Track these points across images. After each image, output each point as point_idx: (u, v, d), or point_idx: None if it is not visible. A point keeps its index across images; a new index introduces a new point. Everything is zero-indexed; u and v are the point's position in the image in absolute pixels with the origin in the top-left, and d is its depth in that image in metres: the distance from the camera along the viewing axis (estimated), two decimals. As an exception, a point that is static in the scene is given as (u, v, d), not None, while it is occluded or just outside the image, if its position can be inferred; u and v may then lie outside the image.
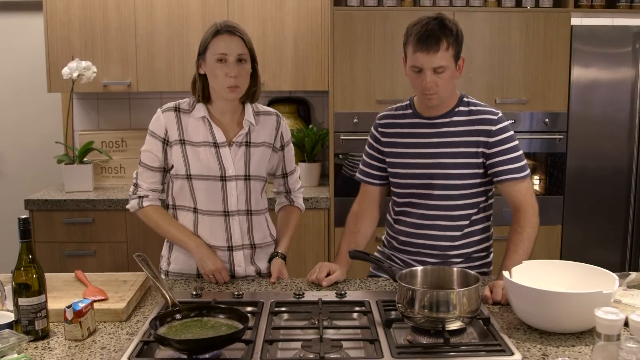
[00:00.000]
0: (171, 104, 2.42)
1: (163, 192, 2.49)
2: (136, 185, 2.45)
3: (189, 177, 2.38)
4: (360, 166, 2.58)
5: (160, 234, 2.47)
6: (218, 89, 2.32)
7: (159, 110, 2.42)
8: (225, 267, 2.40)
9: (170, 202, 2.48)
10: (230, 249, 2.43)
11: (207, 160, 2.37)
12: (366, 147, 2.56)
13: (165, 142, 2.39)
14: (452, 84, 2.31)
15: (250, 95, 2.43)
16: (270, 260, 2.51)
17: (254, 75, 2.40)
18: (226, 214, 2.41)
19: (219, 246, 2.42)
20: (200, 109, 2.39)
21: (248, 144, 2.42)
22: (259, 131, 2.45)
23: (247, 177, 2.42)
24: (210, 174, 2.37)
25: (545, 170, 3.94)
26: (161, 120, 2.39)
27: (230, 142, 2.40)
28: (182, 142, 2.38)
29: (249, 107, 2.44)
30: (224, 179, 2.38)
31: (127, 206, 2.48)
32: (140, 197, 2.43)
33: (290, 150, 2.58)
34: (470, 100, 2.40)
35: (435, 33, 2.19)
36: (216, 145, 2.38)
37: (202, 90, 2.38)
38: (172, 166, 2.40)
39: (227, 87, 2.29)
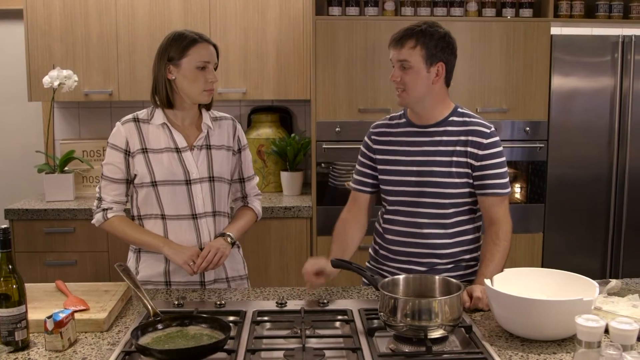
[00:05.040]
0: (129, 116, 2.48)
1: (127, 203, 2.52)
2: (100, 199, 2.48)
3: (154, 184, 2.41)
4: (354, 175, 2.60)
5: (127, 241, 2.50)
6: (194, 93, 2.39)
7: (118, 123, 2.47)
8: (198, 251, 2.40)
9: (136, 213, 2.50)
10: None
11: (171, 165, 2.41)
12: (359, 156, 2.59)
13: (127, 153, 2.43)
14: (423, 87, 2.34)
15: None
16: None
17: None
18: (194, 216, 2.44)
19: None
20: (159, 117, 2.45)
21: (209, 147, 2.48)
22: (218, 135, 2.52)
23: (212, 179, 2.47)
24: (174, 178, 2.41)
25: (526, 179, 3.97)
26: (122, 132, 2.44)
27: (191, 146, 2.46)
28: (144, 150, 2.42)
29: (205, 113, 2.52)
30: (188, 182, 2.43)
31: (93, 221, 2.51)
32: (104, 209, 2.46)
33: (248, 155, 2.64)
34: (465, 111, 2.44)
35: (406, 32, 2.35)
36: (178, 150, 2.43)
37: (166, 96, 2.42)
38: (135, 176, 2.43)
39: (205, 90, 2.39)
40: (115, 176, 2.44)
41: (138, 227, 2.47)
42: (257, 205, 2.67)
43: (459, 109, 2.44)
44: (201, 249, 2.42)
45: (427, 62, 2.32)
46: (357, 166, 2.58)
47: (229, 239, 2.46)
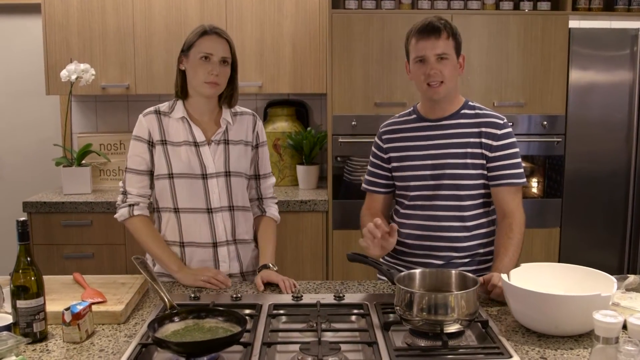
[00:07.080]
0: (151, 109, 2.50)
1: (151, 197, 2.52)
2: (125, 193, 2.47)
3: (170, 176, 2.42)
4: (366, 176, 2.60)
5: (143, 248, 2.49)
6: (197, 84, 2.40)
7: (140, 115, 2.49)
8: (218, 271, 2.40)
9: (154, 206, 2.52)
10: (215, 245, 2.46)
11: (188, 159, 2.42)
12: (370, 157, 2.59)
13: (150, 144, 2.44)
14: (456, 78, 2.37)
15: (228, 98, 2.50)
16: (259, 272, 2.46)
17: (233, 80, 2.48)
18: (209, 210, 2.45)
19: (204, 243, 2.45)
20: (180, 110, 2.46)
21: (226, 142, 2.48)
22: (236, 129, 2.52)
23: (228, 174, 2.47)
24: (191, 172, 2.42)
25: (544, 173, 3.95)
26: (144, 124, 2.45)
27: (209, 140, 2.46)
28: (164, 142, 2.43)
29: (226, 109, 2.52)
30: (205, 176, 2.43)
31: (116, 215, 2.49)
32: (130, 205, 2.45)
33: (265, 152, 2.62)
34: (476, 104, 2.45)
35: (435, 24, 2.32)
36: (196, 144, 2.44)
37: (180, 86, 2.47)
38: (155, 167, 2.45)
39: (206, 82, 2.37)
40: (140, 167, 2.45)
41: (155, 238, 2.45)
42: (274, 212, 2.64)
43: (470, 103, 2.46)
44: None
45: (456, 53, 2.36)
46: (369, 167, 2.59)
47: (274, 269, 2.43)
